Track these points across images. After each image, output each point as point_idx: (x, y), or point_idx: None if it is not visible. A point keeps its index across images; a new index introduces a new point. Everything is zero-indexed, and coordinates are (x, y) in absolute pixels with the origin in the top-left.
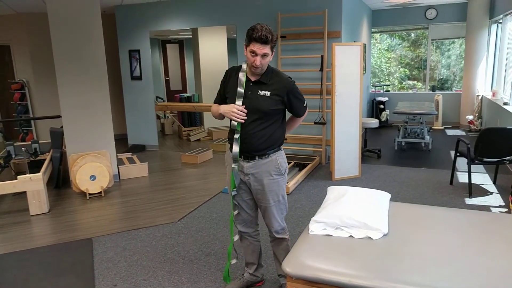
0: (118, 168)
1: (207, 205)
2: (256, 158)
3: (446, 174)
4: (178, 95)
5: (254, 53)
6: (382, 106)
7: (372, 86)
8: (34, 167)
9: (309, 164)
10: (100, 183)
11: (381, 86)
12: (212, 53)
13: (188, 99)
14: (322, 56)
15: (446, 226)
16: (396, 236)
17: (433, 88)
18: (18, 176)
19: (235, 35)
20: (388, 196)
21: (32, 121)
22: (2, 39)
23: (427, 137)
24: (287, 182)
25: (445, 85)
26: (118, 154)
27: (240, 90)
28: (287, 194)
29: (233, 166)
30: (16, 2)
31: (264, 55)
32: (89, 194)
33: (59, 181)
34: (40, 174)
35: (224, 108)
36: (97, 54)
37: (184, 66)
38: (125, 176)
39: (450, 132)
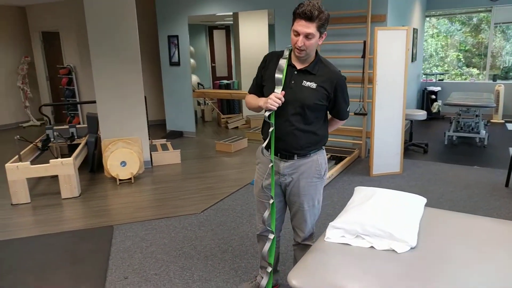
0: (150, 154)
1: (234, 197)
2: (295, 158)
3: (501, 174)
4: (218, 82)
5: (297, 33)
6: (433, 97)
7: (424, 75)
8: (71, 151)
9: (346, 157)
10: (130, 170)
11: (433, 75)
12: (252, 39)
13: (227, 86)
14: (364, 42)
15: (494, 242)
16: (426, 251)
17: (494, 78)
18: (50, 160)
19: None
20: (423, 201)
21: (78, 105)
22: (52, 26)
23: (483, 132)
24: None
25: (509, 74)
26: (153, 140)
27: (279, 76)
28: None
29: (270, 165)
30: None
31: (308, 36)
32: (120, 180)
33: (94, 166)
34: (71, 159)
35: (264, 100)
36: (130, 42)
37: (230, 53)
38: (157, 163)
39: (511, 126)
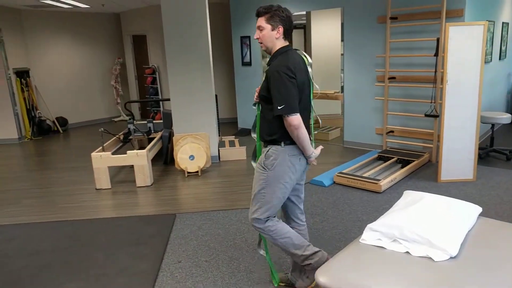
0: (218, 150)
1: None
2: (263, 145)
3: None
4: None
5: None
6: None
7: None
8: (149, 144)
9: (414, 161)
10: (198, 163)
11: None
12: (323, 38)
13: None
14: (437, 39)
15: None
16: (468, 261)
17: None
18: (127, 151)
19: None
20: (477, 210)
21: (160, 102)
22: (141, 30)
23: None
24: (380, 180)
25: None
26: (223, 137)
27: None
28: (377, 192)
29: (255, 145)
30: None
31: (259, 28)
32: (188, 172)
33: (167, 158)
34: (145, 151)
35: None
36: (202, 42)
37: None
38: (224, 158)
39: None
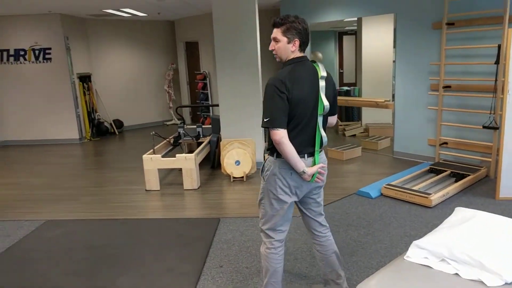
0: (264, 155)
1: (335, 205)
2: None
3: None
4: (338, 88)
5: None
6: None
7: None
8: (197, 148)
9: (469, 175)
10: (243, 169)
11: None
12: (375, 45)
13: (347, 93)
14: (499, 46)
15: None
16: None
17: None
18: (176, 155)
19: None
20: None
21: (210, 107)
22: (193, 37)
23: None
24: (430, 194)
25: None
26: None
27: None
28: (428, 207)
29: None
30: (203, 3)
31: (275, 39)
32: (233, 177)
33: (215, 162)
34: (193, 155)
35: None
36: (251, 50)
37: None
38: None
39: None
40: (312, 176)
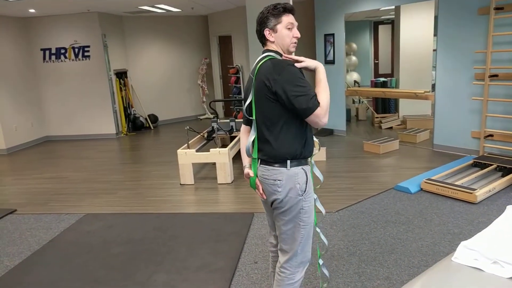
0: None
1: (373, 200)
2: None
3: None
4: (374, 79)
5: (291, 26)
6: None
7: None
8: (231, 142)
9: None
10: None
11: None
12: (414, 33)
13: (384, 84)
14: None
15: None
16: None
17: None
18: (210, 149)
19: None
20: None
21: (243, 101)
22: (226, 31)
23: None
24: (475, 189)
25: None
26: None
27: None
28: (472, 203)
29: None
30: None
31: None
32: None
33: None
34: (226, 149)
35: None
36: None
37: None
38: None
39: None
40: (250, 180)
